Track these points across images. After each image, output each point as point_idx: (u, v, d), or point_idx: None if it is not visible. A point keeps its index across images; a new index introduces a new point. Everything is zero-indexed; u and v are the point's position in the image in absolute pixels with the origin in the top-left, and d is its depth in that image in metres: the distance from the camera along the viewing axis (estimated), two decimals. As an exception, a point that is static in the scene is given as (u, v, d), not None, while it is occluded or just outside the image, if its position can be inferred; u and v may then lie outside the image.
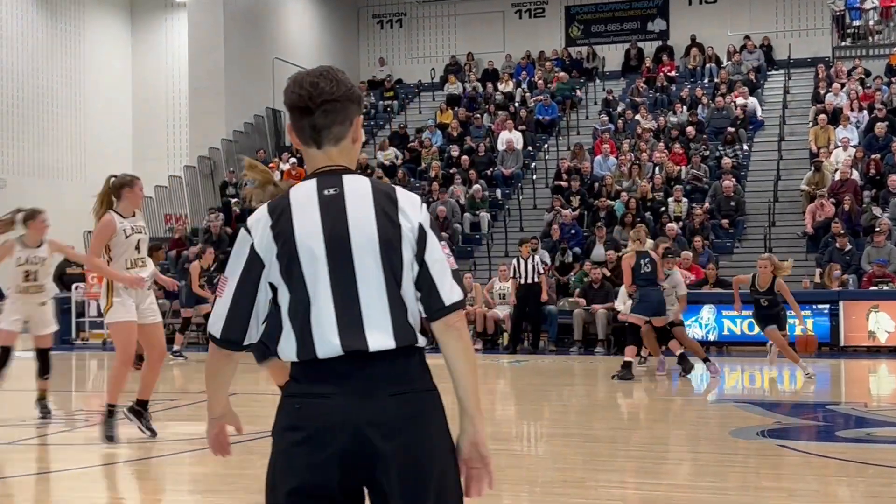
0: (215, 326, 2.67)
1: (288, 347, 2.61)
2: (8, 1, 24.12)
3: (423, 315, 2.66)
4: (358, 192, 2.63)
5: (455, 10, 30.26)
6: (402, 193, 2.67)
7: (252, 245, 2.61)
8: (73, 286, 19.63)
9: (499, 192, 22.73)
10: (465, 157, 23.23)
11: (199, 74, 25.22)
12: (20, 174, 24.11)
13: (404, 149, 24.74)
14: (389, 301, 2.59)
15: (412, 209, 2.65)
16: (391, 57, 30.53)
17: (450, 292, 2.63)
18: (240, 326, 2.65)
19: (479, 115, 25.57)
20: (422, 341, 2.64)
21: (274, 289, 2.63)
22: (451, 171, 22.98)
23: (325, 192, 2.62)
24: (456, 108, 26.24)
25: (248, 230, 2.63)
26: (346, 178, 2.66)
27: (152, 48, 28.65)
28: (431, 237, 2.65)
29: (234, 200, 22.99)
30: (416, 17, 30.63)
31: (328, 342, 2.55)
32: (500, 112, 25.38)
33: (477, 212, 21.49)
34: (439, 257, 2.64)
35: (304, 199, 2.63)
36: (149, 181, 25.51)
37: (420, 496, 2.55)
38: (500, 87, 27.32)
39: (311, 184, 2.65)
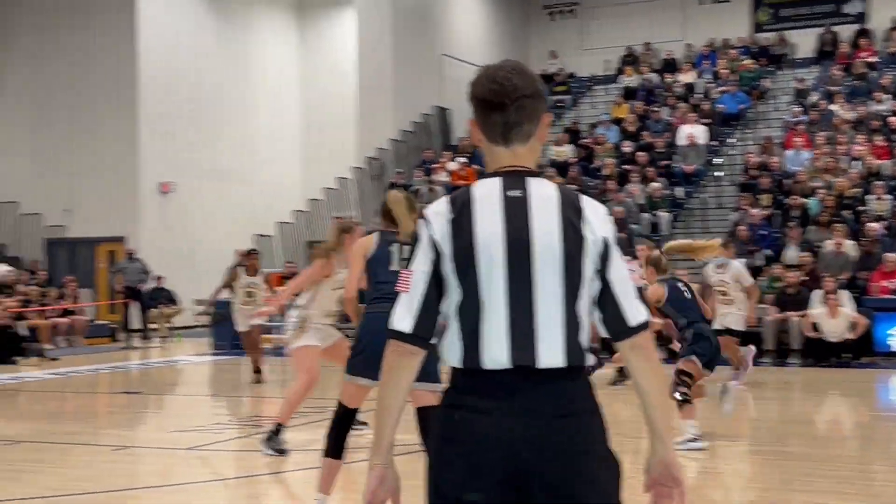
0: (404, 322, 2.58)
1: (452, 351, 2.58)
2: (179, 6, 25.19)
3: (608, 335, 2.63)
4: (543, 198, 2.59)
5: (631, -1, 29.80)
6: (588, 203, 2.63)
7: (431, 236, 2.58)
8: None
9: (680, 191, 22.22)
10: (641, 154, 22.82)
11: (367, 73, 25.70)
12: (191, 176, 25.09)
13: (577, 145, 24.51)
14: (566, 317, 2.55)
15: (598, 221, 2.60)
16: (563, 49, 30.27)
17: (636, 312, 2.61)
18: (430, 321, 2.59)
19: (657, 109, 25.07)
20: (590, 360, 2.60)
21: (443, 283, 2.58)
22: (626, 168, 22.61)
23: (510, 194, 2.59)
24: (632, 102, 25.82)
25: (427, 220, 2.61)
26: (532, 181, 2.62)
27: (320, 48, 29.36)
28: (615, 253, 2.61)
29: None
30: (590, 6, 30.29)
31: (497, 354, 2.52)
32: (680, 104, 24.82)
33: (656, 211, 21.07)
34: (623, 275, 2.61)
35: (488, 197, 2.59)
36: (316, 183, 26.37)
37: None
38: (680, 77, 26.71)
39: (496, 182, 2.62)
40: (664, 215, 21.03)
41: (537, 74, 2.69)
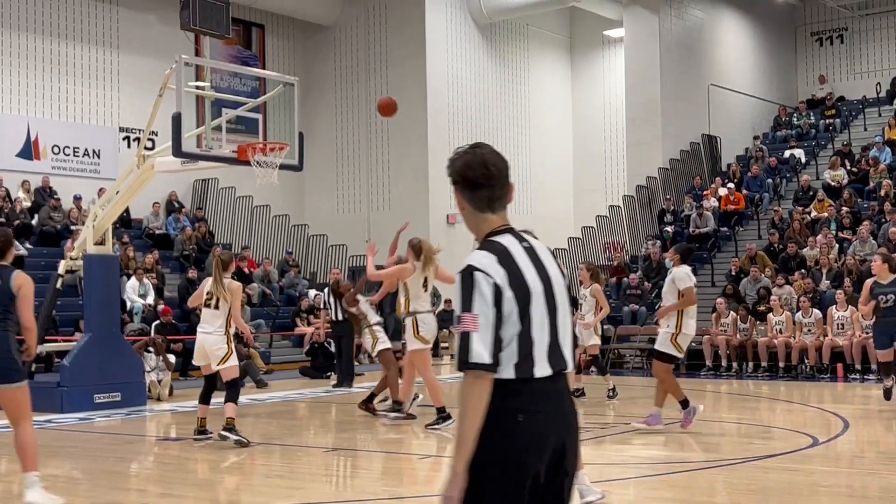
0: (483, 356, 2.99)
1: (507, 368, 3.04)
2: (463, 54, 26.11)
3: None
4: (539, 246, 3.24)
5: (902, 20, 28.10)
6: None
7: (495, 283, 3.03)
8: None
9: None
10: (919, 175, 21.40)
11: (635, 106, 25.59)
12: (475, 209, 25.86)
13: (850, 168, 23.29)
14: (572, 330, 3.26)
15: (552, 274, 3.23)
16: (831, 74, 28.98)
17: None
18: (497, 353, 3.03)
19: (933, 129, 23.44)
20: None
21: (507, 319, 3.06)
22: (903, 189, 21.24)
23: (523, 245, 3.17)
24: (906, 123, 24.26)
25: (484, 272, 3.05)
26: (525, 235, 3.25)
27: (590, 84, 29.53)
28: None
29: (670, 228, 23.00)
30: (859, 31, 28.82)
31: (544, 364, 3.09)
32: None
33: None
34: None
35: (516, 249, 3.14)
36: (588, 212, 26.45)
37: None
38: (958, 96, 24.85)
39: (511, 238, 3.18)
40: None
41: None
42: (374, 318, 12.02)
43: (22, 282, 6.68)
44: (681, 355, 10.32)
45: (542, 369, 3.07)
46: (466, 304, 3.01)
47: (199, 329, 9.71)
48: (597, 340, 13.41)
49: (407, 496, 7.46)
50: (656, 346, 10.18)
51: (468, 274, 3.03)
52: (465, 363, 2.98)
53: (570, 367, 3.16)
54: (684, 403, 9.99)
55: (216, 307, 9.51)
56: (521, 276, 3.06)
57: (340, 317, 15.89)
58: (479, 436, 2.97)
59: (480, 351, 2.97)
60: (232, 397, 9.48)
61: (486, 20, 26.55)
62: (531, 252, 3.15)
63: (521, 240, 3.18)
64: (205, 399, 9.92)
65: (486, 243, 3.15)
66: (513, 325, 3.04)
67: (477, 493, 2.98)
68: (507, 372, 3.03)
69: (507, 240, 3.15)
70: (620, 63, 27.05)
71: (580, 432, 3.20)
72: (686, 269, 10.16)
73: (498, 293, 3.01)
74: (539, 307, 3.09)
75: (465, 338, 2.99)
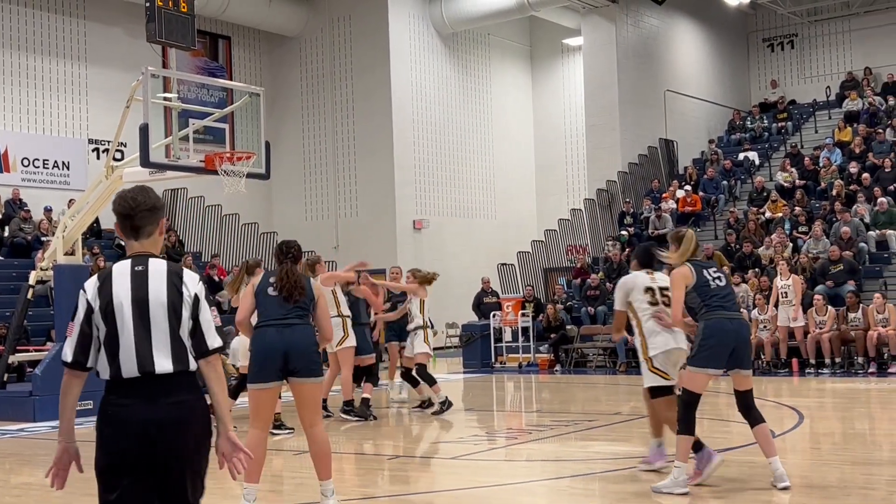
0: (68, 356, 3.73)
1: (103, 368, 3.69)
2: (426, 65, 26.10)
3: (193, 354, 3.74)
4: (154, 270, 3.75)
5: (850, 26, 28.46)
6: (187, 273, 3.83)
7: (87, 300, 3.74)
8: (491, 314, 20.59)
9: (908, 209, 20.89)
10: (866, 175, 21.66)
11: (594, 112, 25.73)
12: (440, 214, 25.89)
13: (800, 169, 23.55)
14: (172, 340, 3.70)
15: (192, 283, 3.80)
16: (783, 78, 29.31)
17: (213, 340, 3.79)
18: (84, 353, 3.73)
19: (881, 130, 23.76)
20: (194, 366, 3.73)
21: (97, 328, 3.71)
22: (853, 189, 21.51)
23: (136, 269, 3.75)
24: (855, 125, 24.58)
25: (84, 290, 3.77)
26: (151, 260, 3.79)
27: (551, 91, 29.66)
28: (203, 303, 3.79)
29: (629, 230, 23.13)
30: (808, 36, 29.17)
31: (131, 366, 3.65)
32: (904, 125, 23.41)
33: (883, 229, 19.90)
34: (208, 317, 3.79)
35: (121, 271, 3.75)
36: (551, 216, 26.55)
37: (180, 475, 3.68)
38: (903, 99, 25.20)
39: (128, 262, 3.79)
40: (892, 233, 19.84)
41: (155, 193, 3.89)
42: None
43: None
44: (670, 382, 7.49)
45: (128, 371, 3.64)
46: (72, 316, 3.77)
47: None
48: (424, 349, 12.07)
49: (378, 496, 7.43)
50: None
51: (79, 292, 3.77)
52: (61, 361, 3.75)
53: (163, 370, 3.65)
54: (697, 446, 7.30)
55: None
56: (110, 293, 3.70)
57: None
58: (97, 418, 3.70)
59: (67, 352, 3.73)
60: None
61: (449, 30, 26.58)
62: (139, 275, 3.72)
63: (136, 265, 3.75)
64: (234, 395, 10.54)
65: (105, 268, 3.94)
66: (102, 331, 3.69)
67: (96, 457, 3.74)
68: (104, 372, 3.69)
69: (120, 265, 3.77)
70: (579, 70, 27.19)
71: (181, 423, 3.63)
72: (629, 278, 7.77)
73: (89, 308, 3.72)
74: (126, 319, 3.67)
75: (64, 342, 3.79)
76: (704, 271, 7.07)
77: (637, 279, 7.62)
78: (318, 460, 6.45)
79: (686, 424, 6.94)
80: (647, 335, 7.40)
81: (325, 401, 11.36)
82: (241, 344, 10.64)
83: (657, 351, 7.37)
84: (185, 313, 3.72)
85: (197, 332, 3.75)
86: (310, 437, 6.47)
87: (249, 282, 7.91)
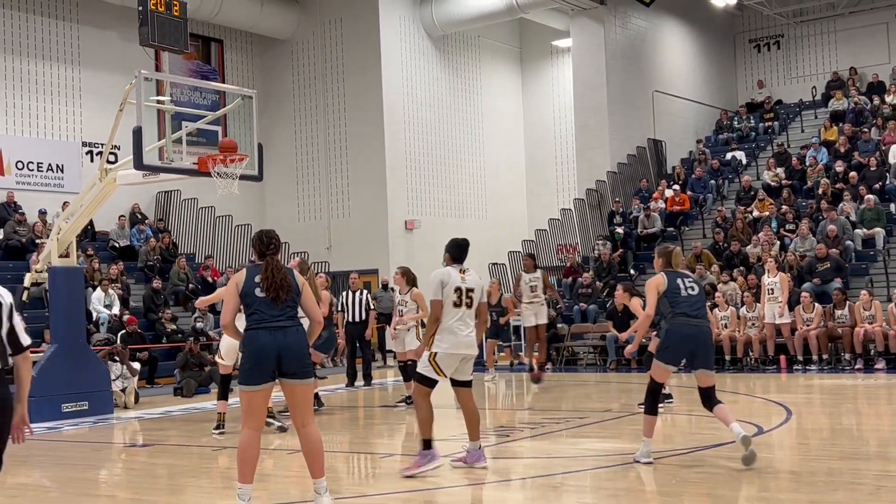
0: None
1: None
2: (417, 64, 26.10)
3: (10, 351, 4.68)
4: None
5: (835, 27, 28.56)
6: (2, 289, 4.72)
7: None
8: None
9: (893, 206, 20.98)
10: (852, 174, 21.75)
11: (583, 112, 25.77)
12: (432, 214, 25.89)
13: (787, 168, 23.63)
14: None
15: (6, 295, 4.70)
16: (769, 78, 29.40)
17: (25, 339, 4.75)
18: None
19: (866, 129, 23.85)
20: (10, 363, 4.68)
21: None
22: (839, 187, 21.59)
23: None
24: (841, 124, 24.67)
25: None
26: None
27: (540, 92, 29.67)
28: (14, 309, 4.68)
29: (619, 230, 23.16)
30: (795, 37, 29.26)
31: None
32: (889, 123, 23.48)
33: (869, 228, 19.98)
34: (18, 321, 4.71)
35: None
36: (541, 216, 26.57)
37: None
38: (888, 99, 25.31)
39: None
40: (880, 231, 19.93)
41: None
42: None
43: None
44: (437, 378, 7.83)
45: None
46: None
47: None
48: (418, 345, 11.57)
49: (371, 494, 7.43)
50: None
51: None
52: None
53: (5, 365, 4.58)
54: (426, 444, 7.81)
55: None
56: None
57: (357, 318, 16.10)
58: None
59: None
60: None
61: (439, 32, 26.58)
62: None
63: None
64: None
65: None
66: None
67: None
68: None
69: None
70: (568, 72, 27.22)
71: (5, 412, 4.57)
72: (445, 271, 7.95)
73: None
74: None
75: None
76: (679, 280, 7.88)
77: (451, 276, 7.94)
78: (311, 458, 6.41)
79: (651, 406, 7.93)
80: (441, 332, 7.74)
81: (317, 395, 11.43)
82: (226, 344, 10.63)
83: (444, 350, 7.73)
84: (5, 316, 4.65)
85: (13, 333, 4.69)
86: (303, 437, 6.43)
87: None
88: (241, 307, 6.48)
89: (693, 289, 7.88)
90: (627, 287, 12.07)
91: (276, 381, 6.39)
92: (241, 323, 6.65)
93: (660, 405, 11.23)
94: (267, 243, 6.48)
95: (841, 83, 27.01)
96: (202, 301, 11.64)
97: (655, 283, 7.91)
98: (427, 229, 25.32)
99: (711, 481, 7.17)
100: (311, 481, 6.44)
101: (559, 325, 20.01)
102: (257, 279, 6.38)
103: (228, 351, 10.68)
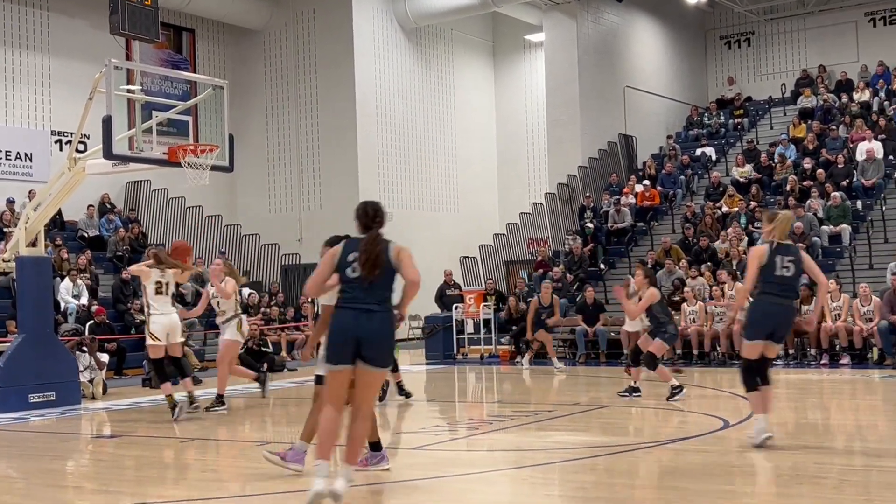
0: None
1: None
2: (390, 57, 26.05)
3: None
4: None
5: (805, 25, 28.80)
6: None
7: None
8: (454, 306, 20.59)
9: (860, 204, 21.21)
10: (820, 171, 21.95)
11: (555, 107, 25.83)
12: (404, 207, 25.84)
13: (756, 165, 23.80)
14: None
15: None
16: (740, 75, 29.61)
17: None
18: None
19: (834, 127, 24.07)
20: None
21: None
22: (807, 184, 21.78)
23: None
24: (809, 122, 24.89)
25: None
26: None
27: (513, 87, 29.71)
28: None
29: (589, 224, 23.24)
30: (765, 34, 29.47)
31: None
32: (857, 121, 23.73)
33: (836, 224, 20.18)
34: None
35: None
36: (513, 209, 26.60)
37: None
38: (856, 97, 25.56)
39: None
40: (846, 227, 20.13)
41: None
42: None
43: None
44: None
45: None
46: None
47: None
48: None
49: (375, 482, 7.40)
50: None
51: None
52: None
53: None
54: (376, 446, 7.58)
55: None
56: None
57: None
58: None
59: None
60: None
61: (412, 25, 26.52)
62: None
63: None
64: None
65: None
66: None
67: None
68: None
69: None
70: (541, 66, 27.27)
71: None
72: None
73: None
74: None
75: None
76: (777, 258, 7.93)
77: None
78: (349, 443, 6.18)
79: (750, 383, 8.48)
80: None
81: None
82: (160, 322, 10.89)
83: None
84: None
85: None
86: (352, 419, 6.18)
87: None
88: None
89: (788, 269, 7.90)
90: (648, 273, 11.59)
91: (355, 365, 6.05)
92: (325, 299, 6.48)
93: (626, 396, 11.53)
94: (373, 216, 6.15)
95: (810, 81, 27.24)
96: (131, 270, 11.98)
97: (758, 254, 7.92)
98: (399, 222, 25.22)
99: (677, 474, 7.22)
100: (340, 464, 6.31)
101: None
102: (351, 257, 6.08)
103: (161, 330, 10.73)
